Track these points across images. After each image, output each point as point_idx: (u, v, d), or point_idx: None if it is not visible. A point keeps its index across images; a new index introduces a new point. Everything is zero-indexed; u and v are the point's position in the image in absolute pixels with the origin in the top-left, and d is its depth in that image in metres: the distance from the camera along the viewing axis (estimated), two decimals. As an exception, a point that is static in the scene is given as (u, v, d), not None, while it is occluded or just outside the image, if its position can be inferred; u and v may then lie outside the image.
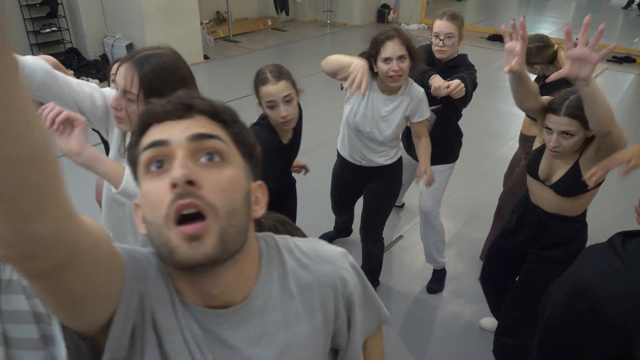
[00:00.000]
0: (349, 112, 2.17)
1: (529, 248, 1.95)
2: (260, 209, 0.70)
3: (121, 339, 0.60)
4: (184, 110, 0.64)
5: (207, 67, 6.51)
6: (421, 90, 2.14)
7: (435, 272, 2.78)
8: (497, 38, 8.78)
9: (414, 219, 3.37)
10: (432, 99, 2.23)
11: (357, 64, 1.74)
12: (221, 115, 0.67)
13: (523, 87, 1.61)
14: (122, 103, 1.21)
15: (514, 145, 4.53)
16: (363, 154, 2.24)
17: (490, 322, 2.36)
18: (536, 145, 1.86)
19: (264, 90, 1.75)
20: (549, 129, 1.63)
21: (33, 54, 5.23)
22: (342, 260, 0.81)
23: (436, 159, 2.51)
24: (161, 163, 0.62)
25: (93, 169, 1.17)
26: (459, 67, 2.27)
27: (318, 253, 0.79)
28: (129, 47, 6.01)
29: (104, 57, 6.24)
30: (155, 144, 0.62)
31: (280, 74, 1.76)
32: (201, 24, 6.94)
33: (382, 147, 2.22)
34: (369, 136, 2.16)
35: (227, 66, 6.66)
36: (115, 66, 1.28)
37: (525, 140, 2.65)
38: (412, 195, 3.34)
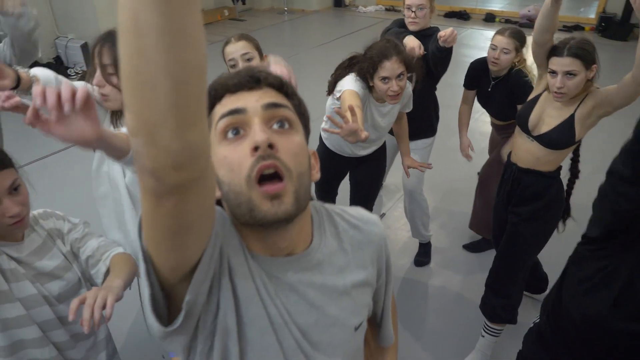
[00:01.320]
0: None
1: (508, 206, 2.06)
2: (316, 173, 0.76)
3: (204, 281, 0.63)
4: (255, 82, 0.71)
5: (168, 63, 6.36)
6: (407, 91, 2.13)
7: (421, 245, 2.86)
8: (453, 15, 8.94)
9: (394, 196, 3.45)
10: None
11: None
12: (286, 88, 0.73)
13: (552, 18, 1.71)
14: (103, 79, 1.29)
15: (480, 118, 4.65)
16: (354, 151, 2.24)
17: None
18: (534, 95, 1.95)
19: (225, 50, 1.80)
20: (554, 72, 1.74)
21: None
22: (381, 224, 0.88)
23: (416, 134, 2.56)
24: (237, 130, 0.67)
25: (108, 149, 1.05)
26: (432, 36, 2.30)
27: (364, 216, 0.86)
28: (84, 47, 5.80)
29: (58, 59, 5.99)
30: (234, 112, 0.67)
31: (242, 36, 1.81)
32: (157, 18, 6.77)
33: (374, 142, 2.25)
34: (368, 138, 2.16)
35: (188, 60, 6.53)
36: (96, 47, 1.33)
37: (502, 129, 2.72)
38: (391, 173, 3.40)
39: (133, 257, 1.33)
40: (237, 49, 1.78)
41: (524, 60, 2.51)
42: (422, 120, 2.54)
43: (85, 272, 1.31)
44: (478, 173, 3.51)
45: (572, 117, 1.79)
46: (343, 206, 0.87)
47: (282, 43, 7.52)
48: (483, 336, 2.17)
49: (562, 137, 1.82)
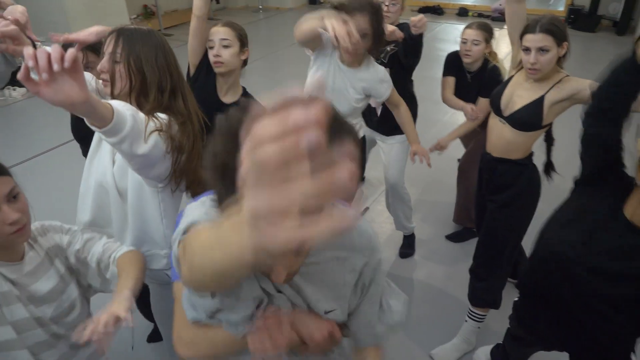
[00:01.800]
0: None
1: (486, 195, 2.12)
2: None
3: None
4: None
5: (143, 64, 6.28)
6: (381, 69, 2.11)
7: (405, 237, 2.91)
8: (427, 10, 9.04)
9: (376, 190, 3.48)
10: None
11: (330, 20, 1.66)
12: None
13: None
14: (107, 66, 1.36)
15: (458, 112, 4.74)
16: None
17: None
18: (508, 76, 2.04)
19: (210, 31, 1.85)
20: (527, 49, 1.80)
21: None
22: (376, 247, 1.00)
23: (393, 129, 2.57)
24: None
25: (92, 115, 1.07)
26: (402, 31, 2.34)
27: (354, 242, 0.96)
28: (56, 50, 5.69)
29: (29, 63, 5.87)
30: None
31: (228, 22, 1.87)
32: (130, 19, 6.68)
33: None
34: None
35: (163, 61, 6.46)
36: (109, 37, 1.41)
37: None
38: (372, 167, 3.44)
39: (139, 253, 1.33)
40: (218, 33, 1.83)
41: (495, 53, 2.62)
42: None
43: (90, 282, 1.30)
44: (458, 160, 3.61)
45: (542, 98, 1.83)
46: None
47: (258, 41, 7.48)
48: (466, 321, 2.23)
49: (530, 117, 1.86)
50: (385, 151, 2.67)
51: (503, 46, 7.12)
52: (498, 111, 1.97)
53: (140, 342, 2.29)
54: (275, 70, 6.04)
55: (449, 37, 7.46)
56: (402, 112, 2.21)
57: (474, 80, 2.61)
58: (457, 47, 2.68)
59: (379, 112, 2.55)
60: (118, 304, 1.09)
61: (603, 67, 1.45)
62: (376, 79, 2.08)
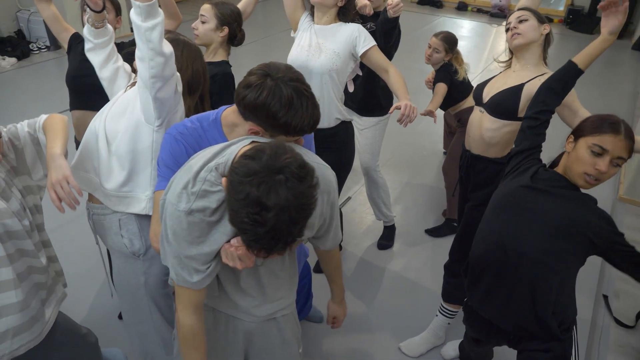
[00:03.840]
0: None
1: (466, 192, 2.13)
2: None
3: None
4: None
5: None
6: (355, 26, 2.09)
7: (385, 228, 2.90)
8: (426, 2, 8.97)
9: (360, 180, 3.48)
10: None
11: None
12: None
13: None
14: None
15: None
16: None
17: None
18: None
19: None
20: (509, 25, 1.92)
21: None
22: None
23: (365, 111, 2.60)
24: None
25: None
26: (382, 14, 2.33)
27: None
28: (47, 21, 5.59)
29: (20, 33, 5.77)
30: None
31: (216, 2, 2.05)
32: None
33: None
34: (304, 66, 2.04)
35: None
36: None
37: (457, 115, 2.91)
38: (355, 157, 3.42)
39: (59, 115, 1.46)
40: (201, 9, 2.05)
41: (462, 60, 2.88)
42: (369, 99, 2.54)
43: (34, 176, 1.43)
44: (445, 153, 3.65)
45: (521, 86, 1.85)
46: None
47: (255, 25, 7.42)
48: (437, 316, 2.24)
49: (507, 103, 1.87)
50: (358, 136, 2.64)
51: (500, 42, 7.10)
52: (479, 101, 1.99)
53: (112, 319, 2.29)
54: (268, 54, 5.99)
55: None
56: (392, 76, 2.09)
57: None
58: None
59: (351, 88, 2.49)
60: (57, 169, 1.25)
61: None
62: (354, 29, 2.08)
